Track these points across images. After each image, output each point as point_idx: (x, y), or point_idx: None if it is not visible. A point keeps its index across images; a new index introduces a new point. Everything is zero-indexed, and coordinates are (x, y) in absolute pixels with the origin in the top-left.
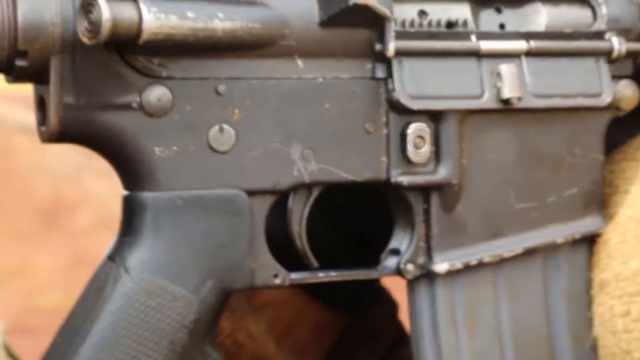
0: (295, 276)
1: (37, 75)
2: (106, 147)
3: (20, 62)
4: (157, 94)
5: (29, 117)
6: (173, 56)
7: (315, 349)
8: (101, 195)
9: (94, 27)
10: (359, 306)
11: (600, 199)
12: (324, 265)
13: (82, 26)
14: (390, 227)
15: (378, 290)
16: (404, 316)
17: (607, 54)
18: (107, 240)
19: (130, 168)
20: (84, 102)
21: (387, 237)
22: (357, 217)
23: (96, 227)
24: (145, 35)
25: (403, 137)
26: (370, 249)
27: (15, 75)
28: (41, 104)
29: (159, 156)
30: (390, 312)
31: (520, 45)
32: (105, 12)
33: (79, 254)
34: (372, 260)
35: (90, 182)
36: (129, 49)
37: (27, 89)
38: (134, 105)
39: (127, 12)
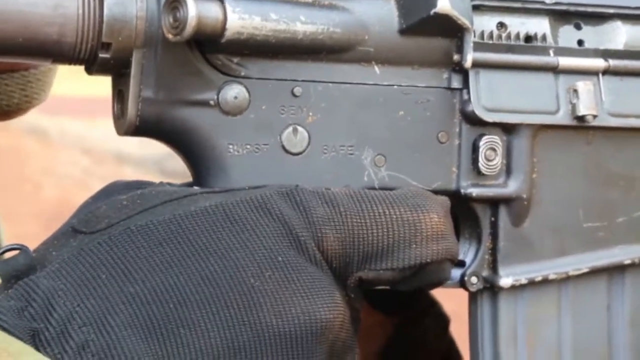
0: None
1: (117, 68)
2: (180, 142)
3: (103, 54)
4: (234, 92)
5: (39, 119)
6: (252, 56)
7: (361, 352)
8: None
9: (179, 23)
10: (406, 312)
11: None
12: None
13: (167, 22)
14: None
15: (429, 302)
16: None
17: None
18: None
19: (203, 164)
20: (162, 97)
21: None
22: None
23: None
24: (228, 34)
25: (475, 148)
26: None
27: (97, 68)
28: (119, 97)
29: (232, 154)
30: (440, 326)
31: (599, 63)
32: (191, 9)
33: None
34: None
35: (97, 188)
36: (210, 47)
37: None
38: (211, 102)
39: (212, 11)
